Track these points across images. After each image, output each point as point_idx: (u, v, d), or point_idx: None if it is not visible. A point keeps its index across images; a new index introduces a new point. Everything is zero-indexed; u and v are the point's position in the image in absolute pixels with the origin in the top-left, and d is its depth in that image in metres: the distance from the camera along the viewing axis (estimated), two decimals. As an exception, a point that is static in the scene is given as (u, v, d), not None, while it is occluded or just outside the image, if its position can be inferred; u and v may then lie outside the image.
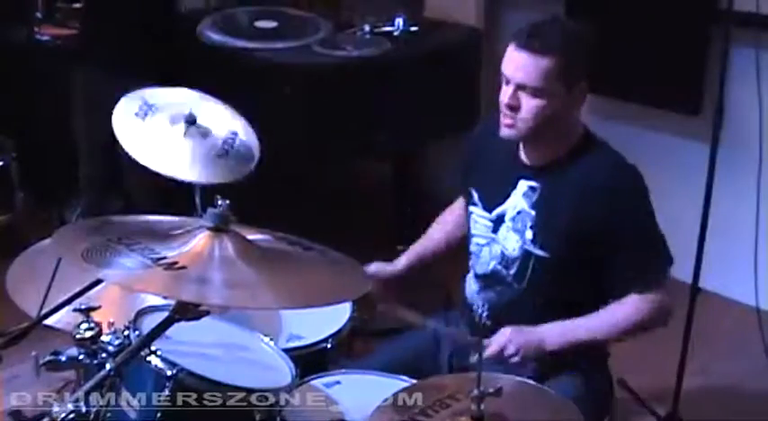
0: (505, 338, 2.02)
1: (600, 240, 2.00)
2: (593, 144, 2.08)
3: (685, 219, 2.99)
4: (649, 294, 2.05)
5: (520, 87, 1.95)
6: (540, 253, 2.05)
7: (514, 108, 1.97)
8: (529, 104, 1.95)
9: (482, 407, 1.50)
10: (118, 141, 3.69)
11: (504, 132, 2.02)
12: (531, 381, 1.77)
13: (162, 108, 2.47)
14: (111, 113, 3.62)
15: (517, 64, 1.94)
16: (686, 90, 3.51)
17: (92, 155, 3.82)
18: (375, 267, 2.28)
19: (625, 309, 2.05)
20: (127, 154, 2.62)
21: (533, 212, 2.05)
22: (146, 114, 2.46)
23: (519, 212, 2.07)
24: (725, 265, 3.32)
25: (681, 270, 3.09)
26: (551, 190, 2.04)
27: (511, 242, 2.08)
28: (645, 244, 2.04)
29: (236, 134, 2.49)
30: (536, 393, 1.72)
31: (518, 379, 1.74)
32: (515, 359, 2.00)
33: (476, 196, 2.18)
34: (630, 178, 2.03)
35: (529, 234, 2.05)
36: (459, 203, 2.36)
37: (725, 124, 2.80)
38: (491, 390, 1.50)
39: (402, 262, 2.33)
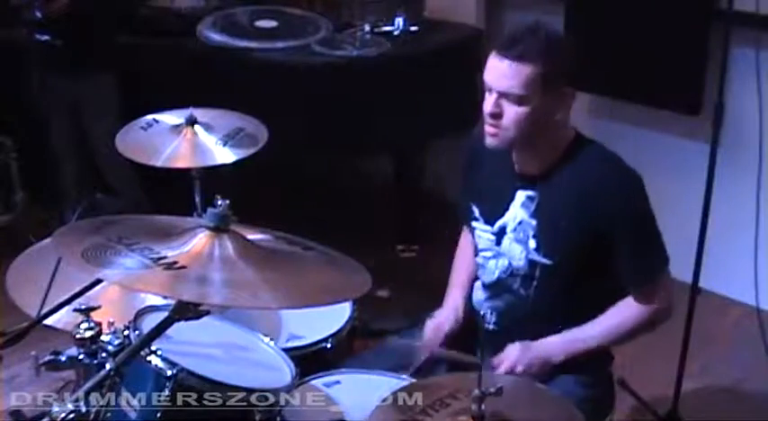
0: (514, 358, 2.05)
1: (600, 242, 2.00)
2: (585, 146, 2.06)
3: (685, 219, 2.99)
4: (647, 295, 2.06)
5: (503, 95, 1.95)
6: (544, 261, 2.05)
7: (497, 116, 1.97)
8: (511, 112, 1.95)
9: (482, 406, 1.50)
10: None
11: (489, 141, 2.02)
12: (531, 381, 1.77)
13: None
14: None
15: (499, 72, 1.94)
16: (686, 90, 3.51)
17: (68, 154, 3.82)
18: (437, 323, 2.20)
19: (622, 314, 2.07)
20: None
21: (534, 221, 2.05)
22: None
23: (520, 223, 2.07)
24: (725, 265, 3.32)
25: (681, 270, 3.09)
26: (549, 197, 2.04)
27: (515, 252, 2.08)
28: (643, 241, 2.04)
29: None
30: (536, 393, 1.72)
31: (518, 379, 1.75)
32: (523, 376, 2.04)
33: (477, 212, 2.18)
34: (626, 178, 2.02)
35: (532, 243, 2.05)
36: (465, 238, 2.35)
37: (725, 124, 2.80)
38: (491, 390, 1.51)
39: (458, 312, 2.24)
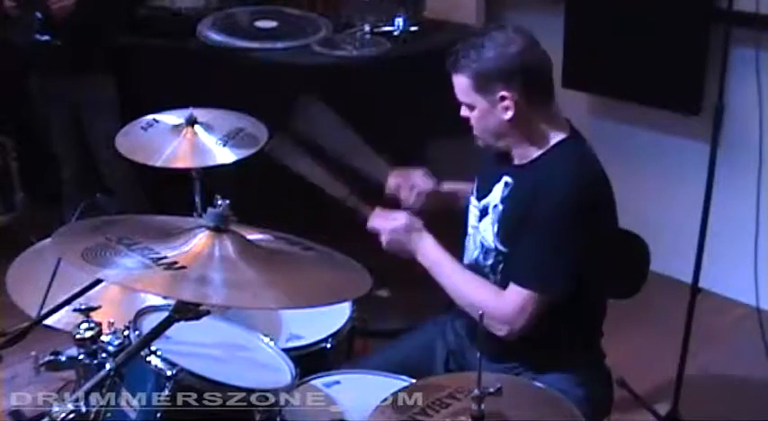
0: (389, 227, 2.16)
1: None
2: (569, 147, 2.06)
3: (685, 219, 2.99)
4: (510, 295, 2.01)
5: (462, 102, 2.09)
6: (501, 248, 2.08)
7: (467, 120, 2.10)
8: (471, 117, 2.08)
9: (482, 406, 1.50)
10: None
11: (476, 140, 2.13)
12: (531, 381, 1.77)
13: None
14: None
15: (453, 84, 2.09)
16: (686, 90, 3.52)
17: (68, 155, 3.82)
18: (421, 179, 2.39)
19: (486, 292, 2.06)
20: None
21: (501, 207, 2.09)
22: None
23: (495, 206, 2.11)
24: (725, 265, 3.32)
25: (681, 270, 3.10)
26: (518, 188, 2.07)
27: (488, 234, 2.11)
28: (542, 244, 2.00)
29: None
30: (536, 393, 1.72)
31: (518, 379, 1.75)
32: (382, 238, 2.17)
33: (475, 185, 2.23)
34: (566, 185, 1.99)
35: (495, 228, 2.09)
36: None
37: (725, 124, 2.80)
38: (491, 390, 1.51)
39: (446, 185, 2.41)
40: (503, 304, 2.02)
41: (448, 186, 2.41)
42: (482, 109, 2.04)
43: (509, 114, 2.01)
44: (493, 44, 2.00)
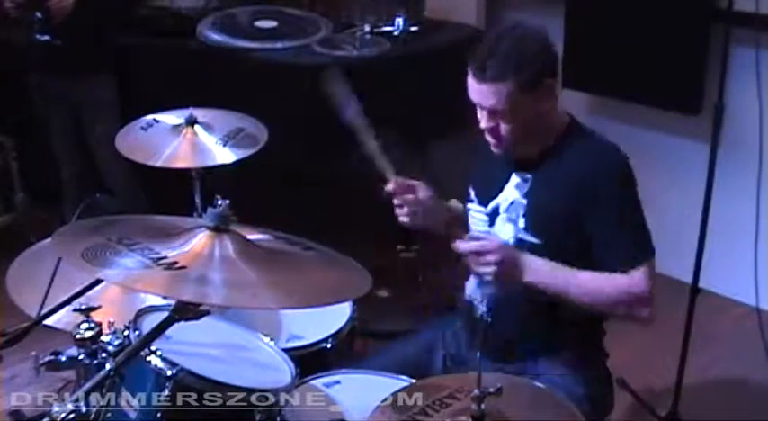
0: (492, 246, 2.00)
1: (584, 223, 2.01)
2: (581, 132, 2.11)
3: (685, 219, 2.99)
4: (629, 278, 2.00)
5: (492, 111, 2.00)
6: (532, 240, 2.07)
7: (494, 129, 2.03)
8: (505, 125, 2.01)
9: (482, 406, 1.50)
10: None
11: (495, 150, 2.09)
12: (531, 381, 1.78)
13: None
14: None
15: (480, 93, 2.00)
16: (686, 90, 3.52)
17: (68, 155, 3.82)
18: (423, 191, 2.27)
19: (609, 280, 2.00)
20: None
21: (525, 201, 2.08)
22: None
23: (512, 203, 2.10)
24: (725, 265, 3.32)
25: (681, 270, 3.10)
26: (542, 178, 2.07)
27: (506, 233, 2.10)
28: (624, 226, 2.01)
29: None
30: (536, 393, 1.72)
31: (518, 379, 1.75)
32: (486, 271, 1.98)
33: (473, 193, 2.22)
34: (613, 163, 2.04)
35: (522, 222, 2.08)
36: None
37: (725, 124, 2.80)
38: (491, 390, 1.51)
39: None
40: (636, 287, 1.99)
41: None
42: (528, 107, 1.98)
43: (552, 102, 2.02)
44: (534, 42, 1.98)
